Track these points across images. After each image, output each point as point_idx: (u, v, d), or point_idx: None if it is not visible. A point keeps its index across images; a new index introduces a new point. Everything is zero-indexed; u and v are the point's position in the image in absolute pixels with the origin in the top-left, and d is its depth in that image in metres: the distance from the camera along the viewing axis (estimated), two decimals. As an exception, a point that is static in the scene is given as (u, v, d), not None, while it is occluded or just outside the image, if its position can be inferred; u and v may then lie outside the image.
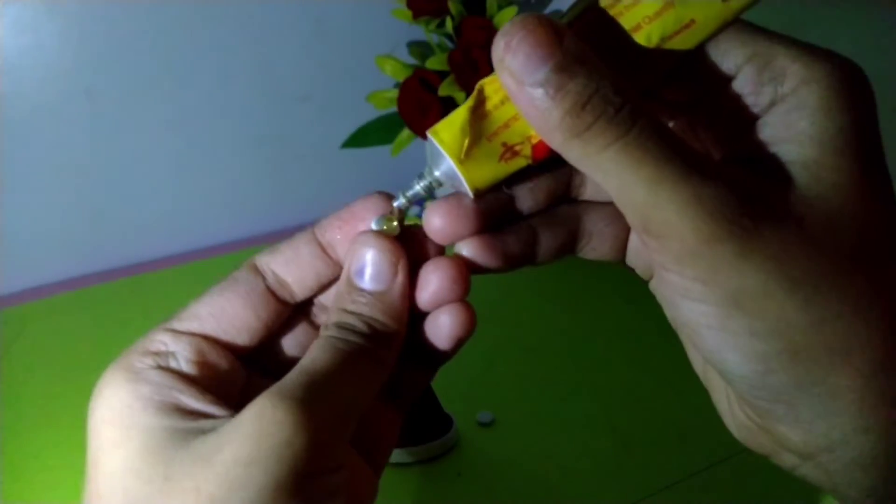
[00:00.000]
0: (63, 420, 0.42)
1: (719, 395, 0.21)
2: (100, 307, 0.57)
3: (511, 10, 0.55)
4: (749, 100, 0.19)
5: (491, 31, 0.55)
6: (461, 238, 0.22)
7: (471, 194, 0.21)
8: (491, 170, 0.20)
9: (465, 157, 0.20)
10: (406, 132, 0.61)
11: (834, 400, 0.17)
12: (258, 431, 0.17)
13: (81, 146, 0.60)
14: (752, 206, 0.17)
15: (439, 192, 0.22)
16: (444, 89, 0.56)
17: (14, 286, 0.62)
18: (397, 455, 0.33)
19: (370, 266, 0.21)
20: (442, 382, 0.38)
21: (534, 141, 0.20)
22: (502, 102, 0.20)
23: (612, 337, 0.45)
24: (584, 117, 0.17)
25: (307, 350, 0.20)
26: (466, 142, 0.20)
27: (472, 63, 0.56)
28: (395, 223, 0.22)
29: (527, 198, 0.22)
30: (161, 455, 0.18)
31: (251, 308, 0.21)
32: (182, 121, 0.63)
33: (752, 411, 0.19)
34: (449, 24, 0.56)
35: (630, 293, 0.47)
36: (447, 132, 0.20)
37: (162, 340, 0.21)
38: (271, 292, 0.22)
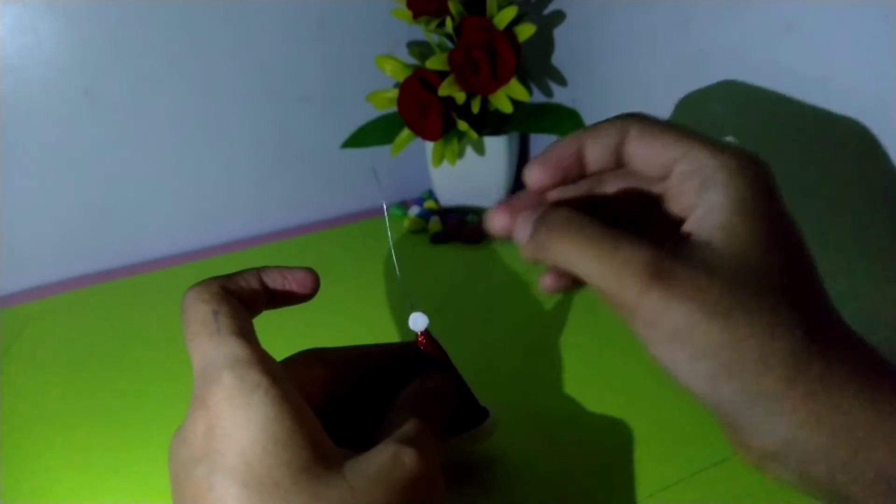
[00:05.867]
0: (63, 420, 0.42)
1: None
2: (100, 307, 0.57)
3: (511, 10, 0.55)
4: (682, 188, 0.25)
5: (491, 31, 0.55)
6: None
7: None
8: None
9: None
10: (406, 132, 0.61)
11: (771, 404, 0.21)
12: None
13: (81, 146, 0.60)
14: (672, 261, 0.22)
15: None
16: (444, 89, 0.56)
17: (14, 286, 0.62)
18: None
19: (445, 394, 0.31)
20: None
21: None
22: None
23: (613, 337, 0.45)
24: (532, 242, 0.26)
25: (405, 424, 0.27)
26: None
27: (473, 63, 0.56)
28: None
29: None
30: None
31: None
32: (182, 121, 0.63)
33: (728, 429, 0.23)
34: (449, 24, 0.56)
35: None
36: None
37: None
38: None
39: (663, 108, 0.52)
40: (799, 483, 0.23)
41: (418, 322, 0.32)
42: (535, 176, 0.28)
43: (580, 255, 0.24)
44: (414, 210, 0.69)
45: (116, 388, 0.45)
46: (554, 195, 0.29)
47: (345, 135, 0.68)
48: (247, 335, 0.24)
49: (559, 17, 0.61)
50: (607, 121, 0.27)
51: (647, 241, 0.23)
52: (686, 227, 0.24)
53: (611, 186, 0.29)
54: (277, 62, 0.64)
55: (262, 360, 0.23)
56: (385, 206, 0.36)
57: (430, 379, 0.31)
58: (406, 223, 0.66)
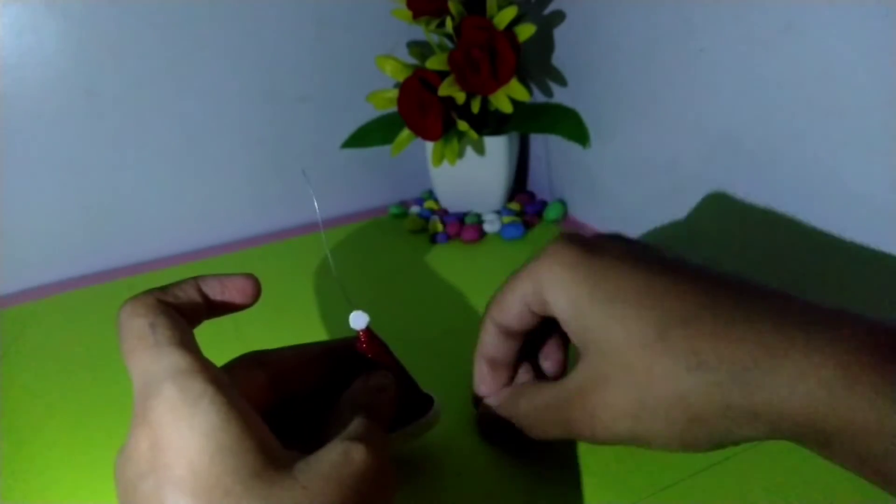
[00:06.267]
0: (63, 420, 0.42)
1: None
2: (100, 307, 0.57)
3: (511, 10, 0.55)
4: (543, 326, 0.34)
5: (491, 31, 0.55)
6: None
7: None
8: None
9: None
10: (406, 132, 0.61)
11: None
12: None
13: (81, 146, 0.60)
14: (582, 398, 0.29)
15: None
16: (444, 89, 0.56)
17: (14, 286, 0.62)
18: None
19: (388, 390, 0.31)
20: (441, 383, 0.38)
21: None
22: None
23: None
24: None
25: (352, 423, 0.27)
26: None
27: (473, 63, 0.56)
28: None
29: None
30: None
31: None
32: (182, 121, 0.63)
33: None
34: (449, 24, 0.56)
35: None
36: None
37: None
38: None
39: (663, 108, 0.52)
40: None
41: (359, 321, 0.32)
42: (483, 392, 0.36)
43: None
44: (414, 210, 0.69)
45: (116, 388, 0.45)
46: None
47: (345, 135, 0.68)
48: (187, 345, 0.23)
49: (559, 17, 0.61)
50: (484, 321, 0.34)
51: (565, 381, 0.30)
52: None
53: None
54: (277, 62, 0.64)
55: (205, 368, 0.23)
56: (316, 205, 0.36)
57: (373, 375, 0.31)
58: (406, 223, 0.66)
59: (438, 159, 0.61)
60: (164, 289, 0.26)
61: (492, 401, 0.35)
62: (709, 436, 0.25)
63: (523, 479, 0.34)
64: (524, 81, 0.58)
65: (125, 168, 0.62)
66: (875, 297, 0.39)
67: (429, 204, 0.69)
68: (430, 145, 0.64)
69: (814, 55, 0.39)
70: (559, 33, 0.62)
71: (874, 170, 0.38)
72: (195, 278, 0.27)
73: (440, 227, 0.64)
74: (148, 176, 0.64)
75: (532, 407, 0.32)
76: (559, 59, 0.63)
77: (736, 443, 0.25)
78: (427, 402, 0.34)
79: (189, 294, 0.26)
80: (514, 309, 0.32)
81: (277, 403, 0.29)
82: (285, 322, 0.49)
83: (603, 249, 0.29)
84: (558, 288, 0.29)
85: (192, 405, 0.21)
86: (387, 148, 0.64)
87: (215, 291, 0.27)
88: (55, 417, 0.43)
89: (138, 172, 0.63)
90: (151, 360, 0.23)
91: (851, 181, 0.39)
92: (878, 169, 0.38)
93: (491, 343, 0.34)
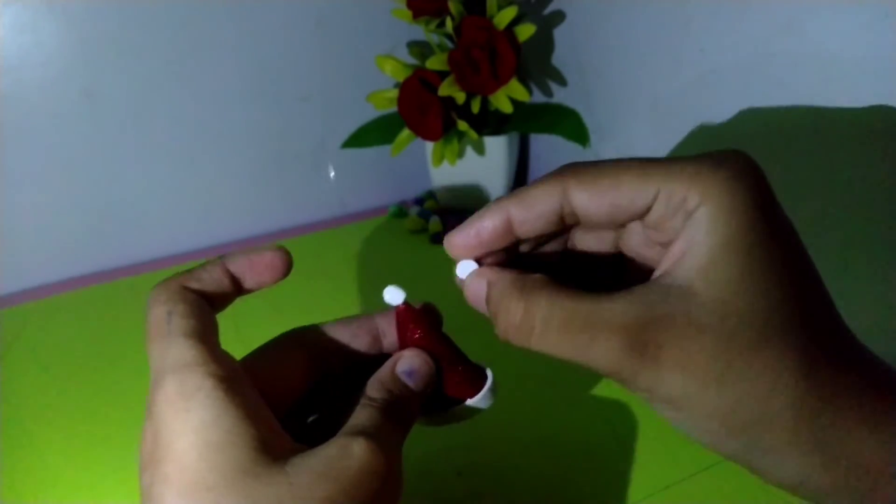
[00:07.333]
0: (63, 420, 0.42)
1: None
2: (100, 307, 0.57)
3: (511, 10, 0.55)
4: (664, 226, 0.23)
5: (491, 31, 0.55)
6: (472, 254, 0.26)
7: None
8: None
9: None
10: (406, 132, 0.61)
11: (777, 454, 0.21)
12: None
13: (81, 146, 0.60)
14: (654, 329, 0.21)
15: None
16: (444, 89, 0.56)
17: (14, 286, 0.62)
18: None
19: (417, 374, 0.27)
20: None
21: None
22: None
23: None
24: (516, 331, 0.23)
25: (357, 413, 0.25)
26: None
27: (473, 63, 0.56)
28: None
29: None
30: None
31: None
32: (182, 121, 0.63)
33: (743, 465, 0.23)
34: (449, 24, 0.56)
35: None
36: None
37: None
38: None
39: (663, 108, 0.52)
40: None
41: (395, 296, 0.28)
42: (454, 245, 0.26)
43: (553, 349, 0.22)
44: (414, 210, 0.69)
45: (116, 388, 0.45)
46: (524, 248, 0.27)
47: (345, 135, 0.68)
48: (200, 335, 0.23)
49: (559, 17, 0.61)
50: (537, 186, 0.24)
51: (622, 303, 0.21)
52: (666, 266, 0.22)
53: (573, 238, 0.27)
54: (277, 62, 0.64)
55: (210, 361, 0.22)
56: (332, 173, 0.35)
57: (403, 358, 0.28)
58: (406, 223, 0.66)
59: (438, 159, 0.61)
60: (189, 272, 0.25)
61: (486, 275, 0.26)
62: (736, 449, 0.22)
63: (523, 479, 0.34)
64: (524, 81, 0.58)
65: (125, 168, 0.62)
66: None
67: (429, 204, 0.69)
68: (430, 145, 0.64)
69: (814, 55, 0.39)
70: (559, 33, 0.62)
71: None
72: (222, 257, 0.26)
73: (440, 227, 0.64)
74: (148, 176, 0.64)
75: (561, 308, 0.22)
76: (559, 59, 0.63)
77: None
78: (480, 381, 0.29)
79: (215, 276, 0.26)
80: (624, 197, 0.23)
81: (320, 385, 0.28)
82: (286, 322, 0.49)
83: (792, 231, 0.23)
84: (721, 200, 0.21)
85: (186, 400, 0.21)
86: (387, 148, 0.64)
87: (243, 269, 0.26)
88: (55, 417, 0.43)
89: (138, 172, 0.63)
90: (162, 350, 0.23)
91: (851, 178, 0.39)
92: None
93: (541, 202, 0.24)
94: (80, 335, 0.52)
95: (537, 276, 0.24)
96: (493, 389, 0.29)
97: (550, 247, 0.28)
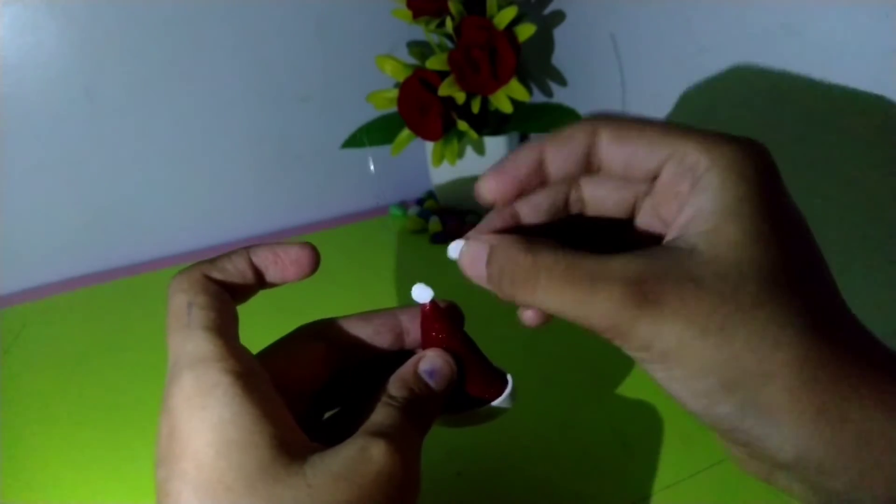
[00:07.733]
0: (62, 420, 0.42)
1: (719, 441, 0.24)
2: (99, 307, 0.57)
3: (511, 10, 0.55)
4: (673, 190, 0.23)
5: (491, 31, 0.55)
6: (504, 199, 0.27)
7: None
8: None
9: None
10: (406, 132, 0.61)
11: (773, 417, 0.20)
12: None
13: (81, 146, 0.60)
14: (656, 280, 0.21)
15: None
16: (444, 89, 0.56)
17: (14, 286, 0.62)
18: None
19: (439, 374, 0.27)
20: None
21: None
22: None
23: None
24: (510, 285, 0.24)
25: (376, 412, 0.24)
26: None
27: (473, 63, 0.56)
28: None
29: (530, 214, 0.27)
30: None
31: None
32: (182, 121, 0.63)
33: (730, 444, 0.22)
34: (449, 24, 0.56)
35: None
36: None
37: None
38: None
39: (663, 108, 0.52)
40: (812, 497, 0.21)
41: (423, 293, 0.28)
42: (489, 188, 0.26)
43: (556, 302, 0.22)
44: (414, 210, 0.69)
45: (116, 388, 0.45)
46: (524, 209, 0.27)
47: (345, 135, 0.68)
48: (219, 328, 0.23)
49: (559, 17, 0.61)
50: (572, 126, 0.25)
51: (624, 259, 0.22)
52: (672, 234, 0.23)
53: (587, 190, 0.27)
54: (277, 62, 0.64)
55: (228, 356, 0.22)
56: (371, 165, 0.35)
57: (426, 357, 0.27)
58: (406, 223, 0.66)
59: (438, 159, 0.61)
60: (213, 261, 0.25)
61: (487, 239, 0.26)
62: (729, 410, 0.21)
63: (523, 479, 0.34)
64: (524, 81, 0.58)
65: (125, 168, 0.62)
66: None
67: (429, 204, 0.69)
68: (430, 145, 0.64)
69: (814, 55, 0.39)
70: (559, 33, 0.62)
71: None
72: (247, 248, 0.26)
73: (440, 227, 0.64)
74: (148, 176, 0.64)
75: (565, 260, 0.22)
76: (559, 59, 0.63)
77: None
78: (501, 383, 0.29)
79: (238, 267, 0.25)
80: (643, 148, 0.24)
81: (338, 379, 0.28)
82: (285, 322, 0.49)
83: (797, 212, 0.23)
84: (731, 167, 0.22)
85: (204, 396, 0.21)
86: (387, 148, 0.64)
87: (267, 263, 0.26)
88: (55, 417, 0.43)
89: (138, 172, 0.63)
90: (180, 342, 0.22)
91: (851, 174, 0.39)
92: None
93: (575, 140, 0.25)
94: (79, 335, 0.52)
95: (541, 237, 0.24)
96: (514, 391, 0.29)
97: (554, 213, 0.27)
